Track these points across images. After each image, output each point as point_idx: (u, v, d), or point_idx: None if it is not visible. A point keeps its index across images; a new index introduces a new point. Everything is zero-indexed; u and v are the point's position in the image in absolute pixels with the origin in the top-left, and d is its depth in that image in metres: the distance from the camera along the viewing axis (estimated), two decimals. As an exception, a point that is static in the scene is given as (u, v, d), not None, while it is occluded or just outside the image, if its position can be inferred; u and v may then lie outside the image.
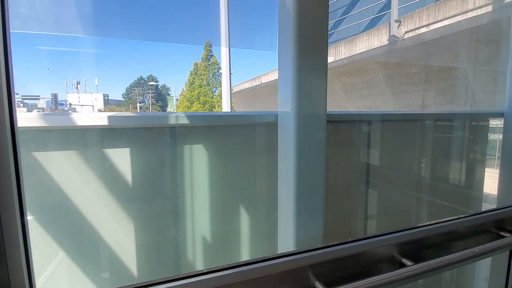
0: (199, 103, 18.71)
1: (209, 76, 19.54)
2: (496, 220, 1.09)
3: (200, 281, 0.63)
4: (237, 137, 1.25)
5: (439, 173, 1.70)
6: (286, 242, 1.11)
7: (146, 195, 1.13)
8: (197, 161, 1.19)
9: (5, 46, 0.54)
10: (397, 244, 0.86)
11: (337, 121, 1.35)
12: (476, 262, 1.65)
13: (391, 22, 6.74)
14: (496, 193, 1.56)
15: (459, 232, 1.00)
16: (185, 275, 0.63)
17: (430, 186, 1.67)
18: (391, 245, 0.86)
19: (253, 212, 1.28)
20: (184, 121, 1.16)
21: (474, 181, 1.71)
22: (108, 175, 1.07)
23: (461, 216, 1.02)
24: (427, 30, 6.09)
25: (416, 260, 0.84)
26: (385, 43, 7.06)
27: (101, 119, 1.04)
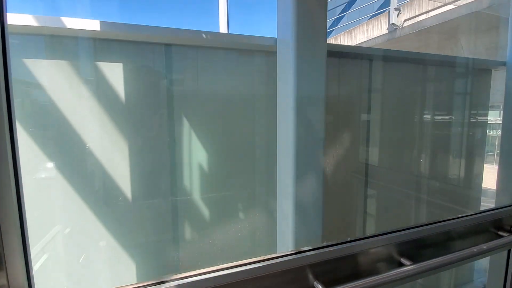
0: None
1: None
2: (494, 219, 1.09)
3: (199, 281, 0.63)
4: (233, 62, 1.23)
5: (439, 118, 1.72)
6: (284, 241, 1.11)
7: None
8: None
9: (4, 43, 0.54)
10: (395, 244, 0.86)
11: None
12: (474, 262, 1.66)
13: (390, 11, 6.70)
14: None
15: (458, 232, 1.00)
16: (184, 275, 0.63)
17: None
18: (390, 244, 0.86)
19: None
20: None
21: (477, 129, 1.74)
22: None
23: (460, 215, 1.02)
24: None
25: (414, 260, 0.84)
26: (384, 32, 7.00)
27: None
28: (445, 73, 1.74)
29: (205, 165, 1.22)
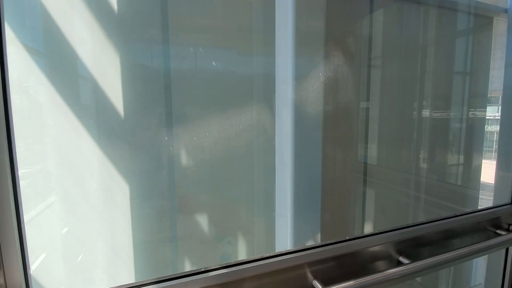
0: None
1: None
2: (492, 218, 1.10)
3: (198, 280, 0.63)
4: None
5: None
6: (283, 239, 1.11)
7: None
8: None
9: (1, 43, 0.53)
10: (394, 242, 0.87)
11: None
12: (473, 260, 1.66)
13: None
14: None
15: (456, 230, 1.01)
16: (182, 274, 0.63)
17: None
18: (389, 243, 0.86)
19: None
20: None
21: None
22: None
23: (458, 214, 1.03)
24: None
25: (413, 258, 0.84)
26: None
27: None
28: (443, 16, 1.70)
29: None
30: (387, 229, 0.88)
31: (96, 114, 1.02)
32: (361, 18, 1.50)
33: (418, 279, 1.68)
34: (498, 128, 1.40)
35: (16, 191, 0.56)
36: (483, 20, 1.82)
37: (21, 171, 0.60)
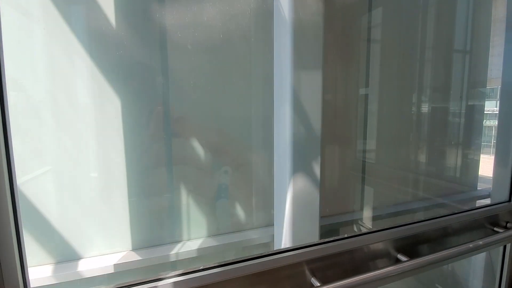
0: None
1: None
2: (490, 215, 1.10)
3: (196, 278, 0.63)
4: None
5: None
6: (282, 237, 1.12)
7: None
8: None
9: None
10: (392, 240, 0.87)
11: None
12: (470, 257, 1.67)
13: None
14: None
15: (454, 228, 1.01)
16: (181, 272, 0.63)
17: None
18: (387, 240, 0.86)
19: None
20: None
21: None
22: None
23: (456, 212, 1.03)
24: None
25: (411, 256, 0.84)
26: None
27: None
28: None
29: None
30: (385, 227, 0.88)
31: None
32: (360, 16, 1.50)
33: (419, 277, 1.69)
34: (496, 123, 1.40)
35: (13, 190, 0.56)
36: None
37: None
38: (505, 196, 1.20)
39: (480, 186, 1.95)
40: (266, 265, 0.69)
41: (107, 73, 1.04)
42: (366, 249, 0.83)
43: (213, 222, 1.28)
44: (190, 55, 1.15)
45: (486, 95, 1.90)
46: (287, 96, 1.03)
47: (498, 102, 1.40)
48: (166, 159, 1.17)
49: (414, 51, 1.66)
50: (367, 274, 0.74)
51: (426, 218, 0.96)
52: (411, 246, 0.91)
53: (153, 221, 1.18)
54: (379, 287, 0.78)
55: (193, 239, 1.25)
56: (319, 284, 0.71)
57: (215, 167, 1.25)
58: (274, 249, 1.15)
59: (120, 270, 1.10)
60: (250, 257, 0.70)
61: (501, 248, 1.23)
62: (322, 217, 1.15)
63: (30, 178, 1.01)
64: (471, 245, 0.93)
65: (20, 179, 0.99)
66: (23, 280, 0.56)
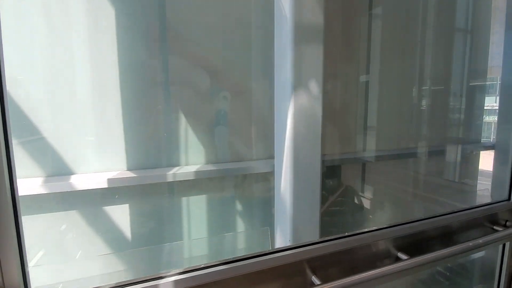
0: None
1: None
2: (490, 214, 1.11)
3: (196, 276, 0.63)
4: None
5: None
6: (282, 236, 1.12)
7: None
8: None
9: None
10: (393, 239, 0.87)
11: None
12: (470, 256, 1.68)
13: None
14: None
15: (454, 226, 1.01)
16: (180, 271, 0.63)
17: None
18: (387, 239, 0.87)
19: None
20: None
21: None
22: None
23: (455, 210, 1.03)
24: None
25: (411, 254, 0.84)
26: None
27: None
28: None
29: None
30: (386, 226, 0.88)
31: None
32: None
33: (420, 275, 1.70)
34: (496, 120, 1.39)
35: (13, 189, 0.55)
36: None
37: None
38: (505, 195, 1.21)
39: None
40: (266, 264, 0.69)
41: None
42: (367, 247, 0.83)
43: (211, 150, 1.21)
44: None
45: (485, 90, 1.89)
46: (288, 92, 1.02)
47: (498, 97, 1.39)
48: (163, 78, 1.10)
49: (415, 44, 1.65)
50: (367, 273, 0.74)
51: (426, 217, 0.97)
52: (411, 245, 0.91)
53: (149, 144, 1.11)
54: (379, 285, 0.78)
55: (191, 165, 1.18)
56: (319, 283, 0.71)
57: (214, 92, 1.18)
58: (275, 247, 1.15)
59: (115, 185, 1.04)
60: (250, 256, 0.70)
61: (501, 247, 1.23)
62: (323, 154, 1.12)
63: (20, 85, 0.96)
64: (470, 244, 0.93)
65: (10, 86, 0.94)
66: (23, 280, 0.56)
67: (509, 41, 1.33)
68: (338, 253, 0.79)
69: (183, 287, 0.61)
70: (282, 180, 1.10)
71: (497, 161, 1.34)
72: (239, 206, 1.29)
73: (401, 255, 0.86)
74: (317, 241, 0.78)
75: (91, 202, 1.06)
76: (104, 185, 1.02)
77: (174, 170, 1.13)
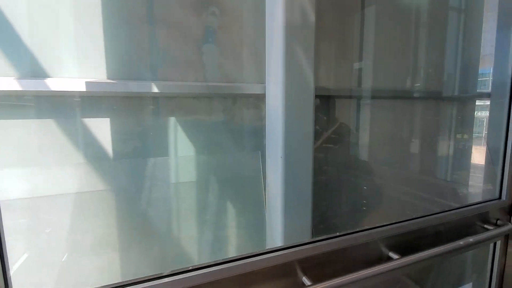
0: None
1: None
2: (480, 213, 1.11)
3: (186, 278, 0.62)
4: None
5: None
6: (274, 236, 1.11)
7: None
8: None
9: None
10: (383, 238, 0.87)
11: None
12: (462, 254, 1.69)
13: None
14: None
15: (445, 225, 1.02)
16: (170, 273, 0.62)
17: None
18: (378, 239, 0.86)
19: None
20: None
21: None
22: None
23: (446, 209, 1.04)
24: None
25: (402, 253, 0.85)
26: None
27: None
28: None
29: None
30: (377, 225, 0.88)
31: None
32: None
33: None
34: (487, 121, 1.40)
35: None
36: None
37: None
38: (496, 193, 1.22)
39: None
40: (257, 265, 0.69)
41: None
42: (358, 247, 0.83)
43: (200, 68, 1.13)
44: None
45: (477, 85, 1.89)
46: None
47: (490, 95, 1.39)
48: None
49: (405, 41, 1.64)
50: (358, 273, 0.74)
51: (417, 216, 0.97)
52: (402, 244, 0.91)
53: (132, 56, 1.03)
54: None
55: (177, 81, 1.11)
56: (310, 283, 0.71)
57: (201, 5, 1.10)
58: (265, 248, 1.14)
59: (93, 90, 0.98)
60: (241, 257, 0.69)
61: (492, 246, 1.24)
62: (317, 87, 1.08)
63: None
64: (461, 243, 0.94)
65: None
66: (4, 281, 0.55)
67: (501, 40, 1.34)
68: (329, 253, 0.78)
69: (175, 289, 0.61)
70: (272, 104, 1.06)
71: (488, 159, 1.35)
72: (229, 128, 1.25)
73: (392, 255, 0.86)
74: (308, 241, 0.77)
75: (69, 112, 1.00)
76: (82, 88, 0.96)
77: (158, 83, 1.06)
